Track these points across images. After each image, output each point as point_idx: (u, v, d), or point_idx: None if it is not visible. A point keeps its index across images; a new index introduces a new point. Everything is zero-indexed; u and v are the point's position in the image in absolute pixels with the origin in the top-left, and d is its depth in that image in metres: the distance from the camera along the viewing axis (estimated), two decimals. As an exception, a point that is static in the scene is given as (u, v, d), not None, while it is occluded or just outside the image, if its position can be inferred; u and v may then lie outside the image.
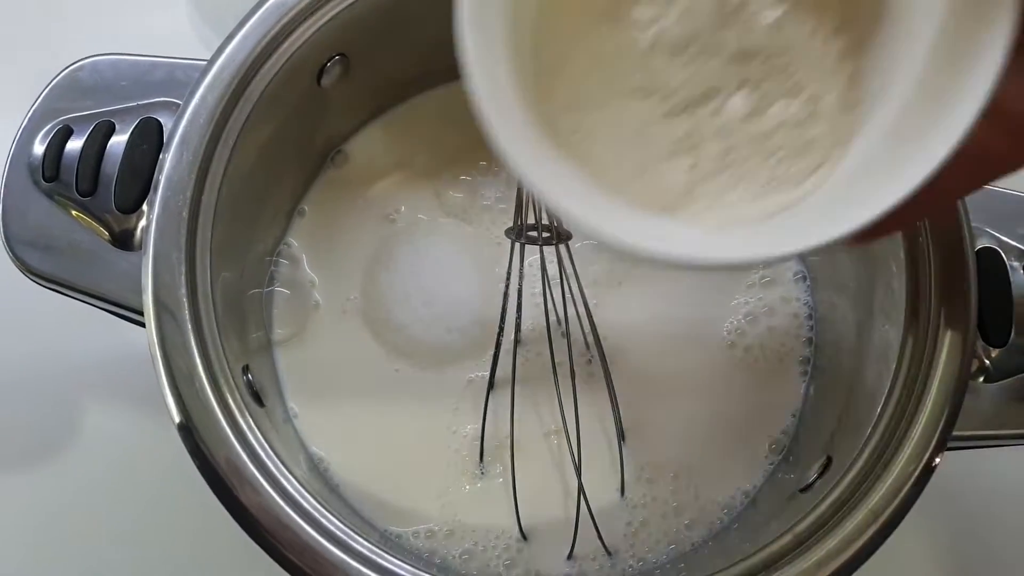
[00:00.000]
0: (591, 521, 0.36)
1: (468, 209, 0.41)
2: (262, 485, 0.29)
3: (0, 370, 0.46)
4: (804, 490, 0.33)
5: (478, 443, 0.38)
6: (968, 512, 0.42)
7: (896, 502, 0.30)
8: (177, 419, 0.30)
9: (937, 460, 0.30)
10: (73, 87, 0.35)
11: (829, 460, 0.33)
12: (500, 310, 0.37)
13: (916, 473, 0.30)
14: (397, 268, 0.40)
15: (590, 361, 0.39)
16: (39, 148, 0.34)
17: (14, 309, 0.44)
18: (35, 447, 0.45)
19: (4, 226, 0.33)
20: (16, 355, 0.46)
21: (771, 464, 0.38)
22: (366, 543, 0.29)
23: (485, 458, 0.38)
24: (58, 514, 0.44)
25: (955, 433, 0.31)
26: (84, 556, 0.43)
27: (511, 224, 0.35)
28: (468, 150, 0.42)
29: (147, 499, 0.44)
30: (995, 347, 0.33)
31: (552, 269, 0.37)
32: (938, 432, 0.30)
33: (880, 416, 0.31)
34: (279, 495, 0.29)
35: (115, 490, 0.44)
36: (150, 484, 0.43)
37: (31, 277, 0.33)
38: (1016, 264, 0.34)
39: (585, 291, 0.39)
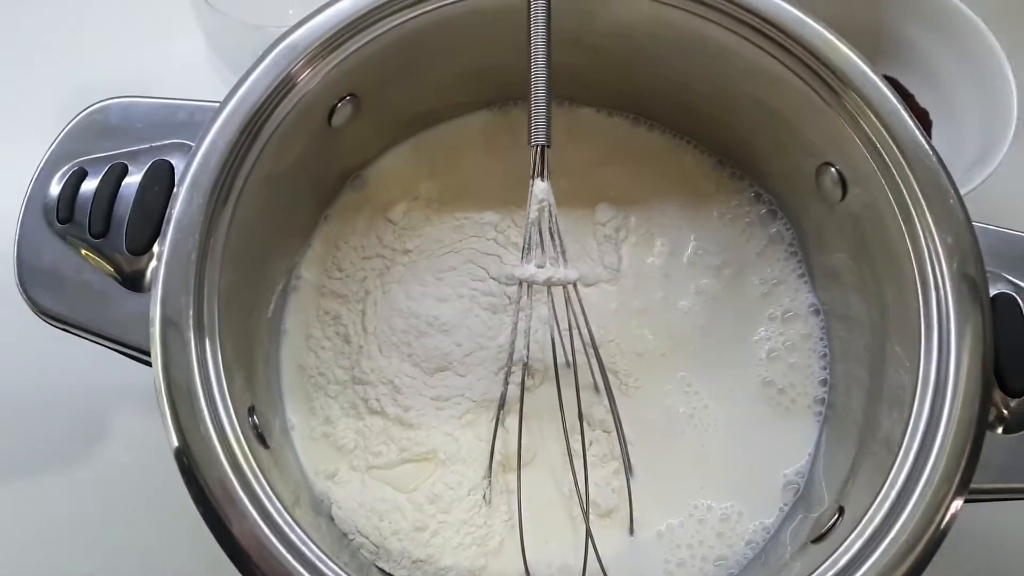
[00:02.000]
0: (598, 561, 0.35)
1: (480, 240, 0.41)
2: (255, 520, 0.29)
3: (17, 400, 0.46)
4: (817, 540, 0.33)
5: (482, 482, 0.37)
6: (985, 567, 0.40)
7: (911, 559, 0.29)
8: (175, 445, 0.30)
9: (953, 514, 0.29)
10: (89, 129, 0.35)
11: (841, 510, 0.33)
12: (508, 349, 0.37)
13: (931, 530, 0.29)
14: (408, 303, 0.40)
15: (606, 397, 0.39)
16: (55, 190, 0.34)
17: (28, 344, 0.44)
18: (48, 472, 0.45)
19: (18, 266, 0.34)
20: (31, 388, 0.46)
21: (785, 505, 0.38)
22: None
23: (492, 498, 0.37)
24: (66, 534, 0.44)
25: (972, 486, 0.30)
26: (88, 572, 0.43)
27: (520, 261, 0.35)
28: (482, 183, 0.42)
29: (154, 525, 0.44)
30: (1013, 396, 0.32)
31: (563, 306, 0.36)
32: (954, 486, 0.29)
33: (894, 469, 0.30)
34: (271, 530, 0.29)
35: (123, 512, 0.45)
36: (156, 508, 0.44)
37: (43, 318, 0.34)
38: (1035, 309, 0.33)
39: (604, 326, 0.39)
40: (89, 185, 0.34)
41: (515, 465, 0.37)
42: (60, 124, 0.36)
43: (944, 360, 0.31)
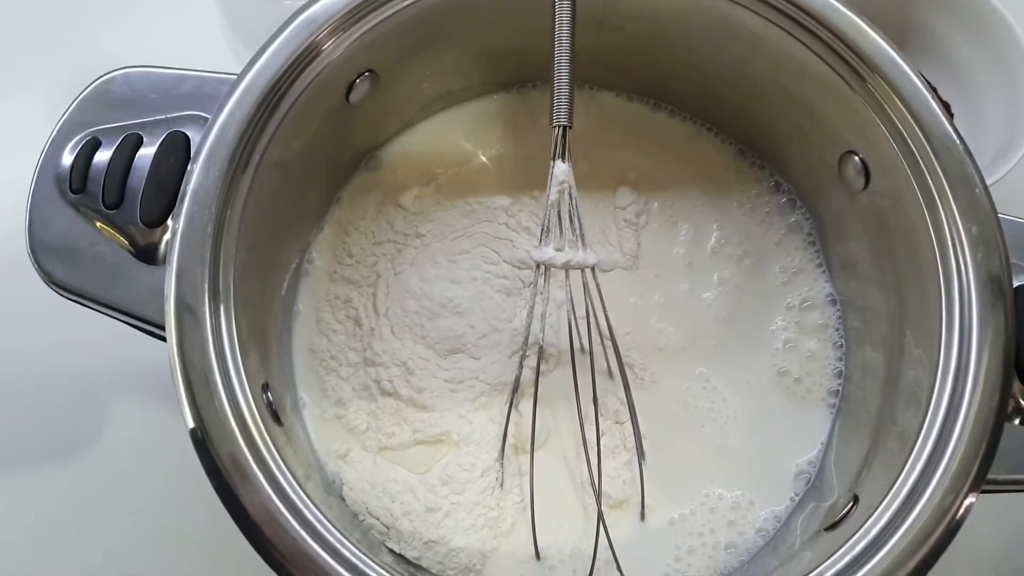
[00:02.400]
0: (609, 547, 0.35)
1: (491, 225, 0.41)
2: (269, 496, 0.29)
3: (21, 377, 0.46)
4: (830, 528, 0.33)
5: (494, 464, 0.37)
6: (1000, 557, 0.40)
7: (926, 548, 0.29)
8: (191, 425, 0.29)
9: (968, 505, 0.29)
10: (103, 99, 0.35)
11: (855, 499, 0.32)
12: (523, 332, 0.37)
13: (947, 520, 0.29)
14: (421, 284, 0.39)
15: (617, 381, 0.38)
16: (67, 159, 0.34)
17: (36, 317, 0.44)
18: (53, 452, 0.45)
19: (30, 237, 0.33)
20: (36, 363, 0.46)
21: (796, 494, 0.38)
22: (369, 561, 0.29)
23: (504, 480, 0.37)
24: (71, 517, 0.44)
25: (988, 477, 0.30)
26: (92, 556, 0.43)
27: (537, 244, 0.34)
28: (498, 166, 0.42)
29: (159, 502, 0.44)
30: (1033, 389, 0.32)
31: (580, 291, 0.36)
32: (971, 477, 0.29)
33: (910, 459, 0.30)
34: (285, 506, 0.29)
35: (128, 494, 0.44)
36: (162, 489, 0.44)
37: (55, 288, 0.33)
38: (1054, 302, 0.33)
39: (621, 318, 0.38)
40: (103, 155, 0.34)
41: (528, 448, 0.37)
42: (71, 96, 0.35)
43: (965, 351, 0.31)
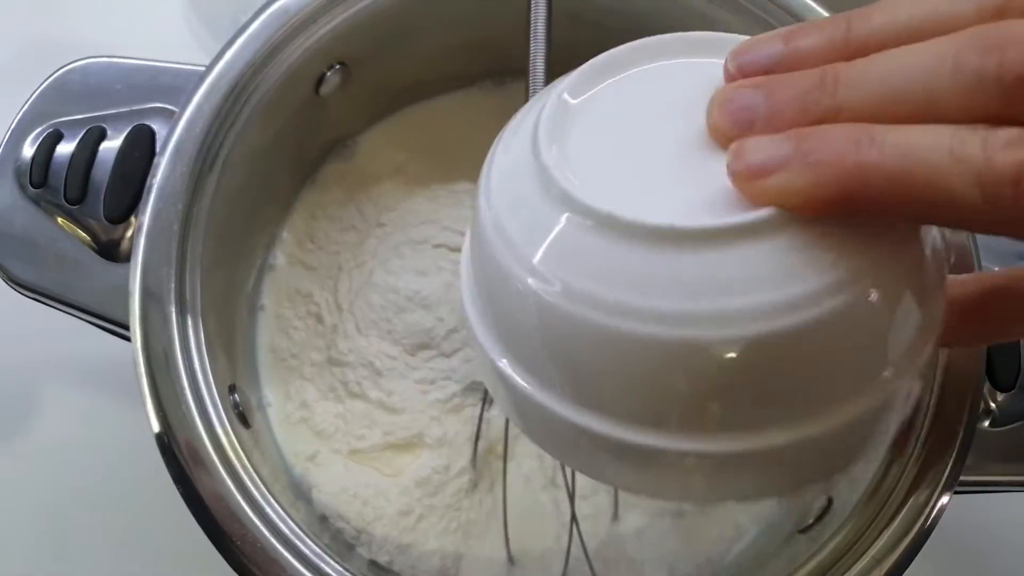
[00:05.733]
0: (583, 549, 0.35)
1: (461, 207, 0.40)
2: (238, 502, 0.28)
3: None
4: (803, 531, 0.33)
5: (467, 467, 0.37)
6: (971, 558, 0.41)
7: (900, 550, 0.29)
8: (157, 429, 0.29)
9: (941, 506, 0.29)
10: (65, 90, 0.34)
11: (829, 502, 0.33)
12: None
13: (920, 520, 0.29)
14: (386, 276, 0.39)
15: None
16: (28, 152, 0.33)
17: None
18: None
19: (-11, 233, 0.32)
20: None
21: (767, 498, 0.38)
22: (338, 567, 0.28)
23: (478, 482, 0.37)
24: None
25: (960, 478, 0.30)
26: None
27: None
28: (472, 157, 0.41)
29: (89, 500, 0.42)
30: (1002, 391, 0.32)
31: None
32: (944, 478, 0.29)
33: (883, 460, 0.30)
34: (255, 514, 0.28)
35: (57, 491, 0.42)
36: (95, 487, 0.42)
37: (13, 287, 0.32)
38: (1026, 305, 0.33)
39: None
40: (65, 148, 0.33)
41: (501, 450, 0.36)
42: (26, 84, 0.34)
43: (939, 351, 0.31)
